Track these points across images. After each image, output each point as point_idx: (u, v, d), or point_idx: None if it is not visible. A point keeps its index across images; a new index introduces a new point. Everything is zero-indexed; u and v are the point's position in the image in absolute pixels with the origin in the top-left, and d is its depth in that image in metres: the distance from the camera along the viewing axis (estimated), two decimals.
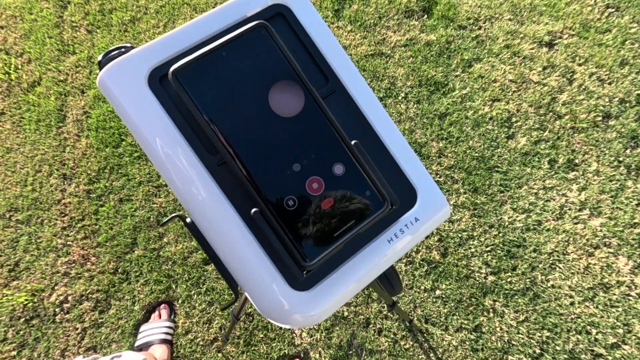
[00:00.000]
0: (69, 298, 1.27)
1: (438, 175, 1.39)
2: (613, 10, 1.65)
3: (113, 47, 0.34)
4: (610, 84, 1.51)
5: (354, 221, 0.31)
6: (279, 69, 0.31)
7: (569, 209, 1.32)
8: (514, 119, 1.46)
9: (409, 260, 1.28)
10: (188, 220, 0.36)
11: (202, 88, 0.30)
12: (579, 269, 1.24)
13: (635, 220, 1.28)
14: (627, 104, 1.47)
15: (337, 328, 1.21)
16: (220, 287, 1.26)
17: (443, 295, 1.24)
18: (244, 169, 0.30)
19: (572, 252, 1.26)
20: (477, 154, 1.41)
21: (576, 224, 1.30)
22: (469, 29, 1.65)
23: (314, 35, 0.35)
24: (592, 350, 1.15)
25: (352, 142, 0.32)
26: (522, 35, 1.62)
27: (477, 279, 1.26)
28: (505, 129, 1.45)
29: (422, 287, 1.25)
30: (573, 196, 1.34)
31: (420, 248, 1.31)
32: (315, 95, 0.31)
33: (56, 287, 1.28)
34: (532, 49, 1.59)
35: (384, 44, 1.63)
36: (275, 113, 0.31)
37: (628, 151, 1.39)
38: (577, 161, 1.39)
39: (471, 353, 1.17)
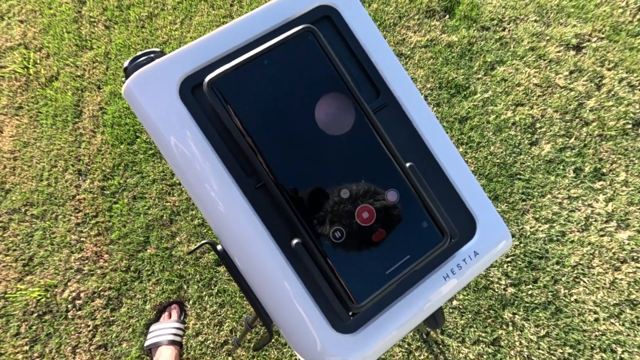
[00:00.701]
0: (82, 295, 1.27)
1: None
2: None
3: (141, 53, 0.31)
4: None
5: (409, 256, 0.28)
6: (327, 80, 0.28)
7: (595, 221, 1.26)
8: (538, 125, 1.41)
9: None
10: (219, 247, 0.32)
11: (240, 101, 0.27)
12: (604, 283, 1.19)
13: None
14: None
15: None
16: (232, 289, 1.24)
17: (460, 306, 1.20)
18: (285, 194, 0.27)
19: (597, 266, 1.21)
20: (498, 160, 1.36)
21: (602, 236, 1.24)
22: (492, 30, 1.59)
23: (364, 41, 0.31)
24: None
25: (407, 165, 0.29)
26: (548, 37, 1.56)
27: (497, 290, 1.21)
28: (529, 135, 1.39)
29: None
30: (599, 207, 1.28)
31: None
32: (368, 112, 0.28)
33: (69, 284, 1.28)
34: (559, 52, 1.53)
35: (403, 45, 1.59)
36: (322, 130, 0.27)
37: None
38: (604, 170, 1.33)
39: None
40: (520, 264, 1.23)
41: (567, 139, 1.38)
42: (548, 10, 1.61)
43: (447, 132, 1.42)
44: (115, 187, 1.39)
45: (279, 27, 0.29)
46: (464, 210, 0.31)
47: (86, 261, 1.31)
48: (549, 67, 1.50)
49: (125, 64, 0.31)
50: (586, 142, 1.37)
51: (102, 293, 1.27)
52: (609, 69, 1.48)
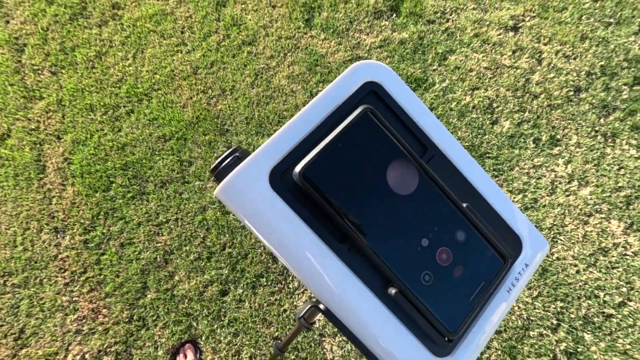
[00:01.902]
0: (87, 356, 1.22)
1: None
2: None
3: (225, 154, 0.33)
4: (575, 59, 1.60)
5: (483, 282, 0.33)
6: (389, 148, 0.32)
7: (560, 183, 1.40)
8: (495, 105, 1.53)
9: None
10: (322, 306, 0.36)
11: (326, 181, 0.31)
12: (578, 238, 1.32)
13: (620, 184, 1.38)
14: (594, 76, 1.57)
15: None
16: (243, 316, 1.24)
17: None
18: (378, 252, 0.31)
19: (569, 224, 1.34)
20: (467, 144, 1.46)
21: (568, 196, 1.38)
22: (437, 22, 1.70)
23: (406, 106, 0.36)
24: (603, 312, 1.23)
25: (465, 205, 0.34)
26: (487, 22, 1.68)
27: None
28: (489, 115, 1.51)
29: None
30: (561, 170, 1.42)
31: None
32: (429, 171, 0.32)
33: (70, 348, 1.22)
34: (500, 34, 1.66)
35: (359, 48, 1.66)
36: (395, 193, 0.32)
37: (602, 120, 1.49)
38: (558, 137, 1.47)
39: (495, 335, 1.22)
40: None
41: (522, 113, 1.51)
42: None
43: None
44: (99, 237, 1.34)
45: (338, 107, 0.33)
46: (510, 232, 0.37)
47: (84, 320, 1.25)
48: (493, 50, 1.63)
49: (213, 166, 0.33)
50: (538, 113, 1.51)
51: (108, 349, 1.22)
52: (545, 44, 1.63)
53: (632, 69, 1.57)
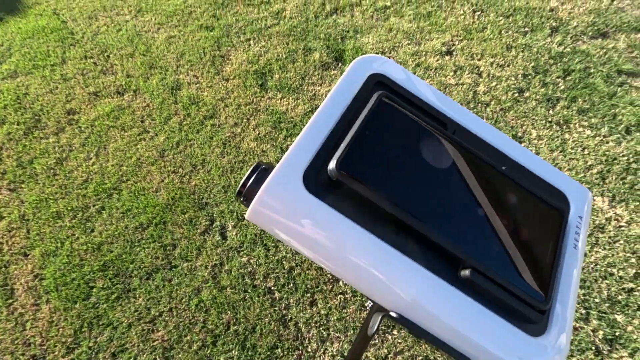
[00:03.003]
0: None
1: None
2: (479, 12, 1.98)
3: (249, 172, 0.31)
4: (508, 66, 1.77)
5: (552, 240, 0.31)
6: (415, 127, 0.32)
7: None
8: None
9: None
10: (393, 314, 0.31)
11: (365, 169, 0.29)
12: None
13: (589, 163, 1.45)
14: (530, 76, 1.72)
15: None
16: None
17: None
18: (441, 233, 0.28)
19: None
20: None
21: None
22: None
23: (413, 90, 0.36)
24: (623, 288, 1.21)
25: (503, 169, 0.33)
26: (424, 52, 1.84)
27: None
28: None
29: None
30: None
31: None
32: (461, 142, 0.32)
33: None
34: (438, 60, 1.81)
35: (316, 99, 1.73)
36: (435, 167, 0.30)
37: (551, 111, 1.60)
38: (520, 134, 1.56)
39: None
40: None
41: None
42: (413, 33, 1.92)
43: None
44: (85, 354, 1.19)
45: (351, 102, 0.33)
46: (552, 189, 0.36)
47: None
48: (437, 74, 1.76)
49: (239, 188, 0.31)
50: (495, 118, 1.60)
51: None
52: (479, 60, 1.80)
53: (559, 64, 1.75)
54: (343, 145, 0.30)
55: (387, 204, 0.28)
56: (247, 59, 1.90)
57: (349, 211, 0.29)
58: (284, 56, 1.89)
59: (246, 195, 0.30)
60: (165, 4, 2.21)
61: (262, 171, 0.31)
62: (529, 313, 0.29)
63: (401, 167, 0.30)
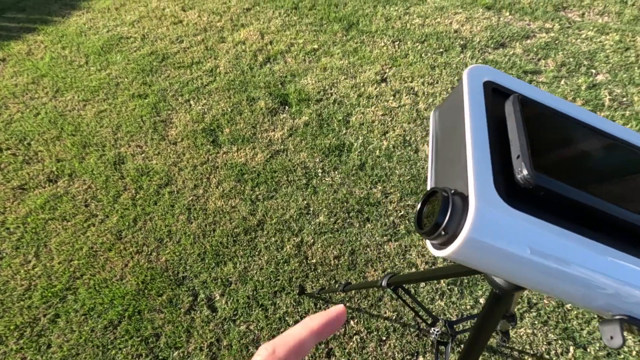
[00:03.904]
0: None
1: (397, 211, 1.46)
2: (398, 42, 2.19)
3: (443, 199, 0.27)
4: (437, 82, 1.95)
5: None
6: (563, 120, 0.34)
7: None
8: (407, 137, 1.71)
9: None
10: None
11: (556, 170, 0.28)
12: None
13: None
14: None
15: None
16: None
17: None
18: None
19: None
20: (409, 177, 1.57)
21: None
22: (324, 99, 1.90)
23: (522, 90, 0.38)
24: None
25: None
26: (362, 83, 1.96)
27: None
28: (409, 147, 1.67)
29: None
30: None
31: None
32: (603, 132, 0.34)
33: None
34: (376, 88, 1.93)
35: (273, 144, 1.72)
36: (597, 156, 0.33)
37: None
38: None
39: (542, 325, 1.19)
40: None
41: None
42: (346, 69, 2.04)
43: (358, 183, 1.55)
44: None
45: (488, 112, 0.33)
46: None
47: None
48: (379, 100, 1.87)
49: (433, 226, 0.26)
50: None
51: None
52: (411, 82, 1.96)
53: None
54: (521, 151, 0.29)
55: (594, 200, 0.27)
56: (192, 118, 1.83)
57: (555, 220, 0.28)
58: (230, 110, 1.87)
59: (445, 230, 0.27)
60: (86, 79, 2.08)
61: (457, 195, 0.28)
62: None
63: (575, 162, 0.30)
